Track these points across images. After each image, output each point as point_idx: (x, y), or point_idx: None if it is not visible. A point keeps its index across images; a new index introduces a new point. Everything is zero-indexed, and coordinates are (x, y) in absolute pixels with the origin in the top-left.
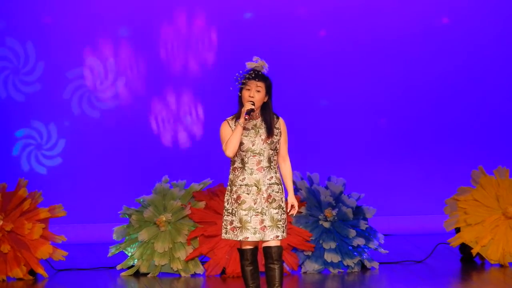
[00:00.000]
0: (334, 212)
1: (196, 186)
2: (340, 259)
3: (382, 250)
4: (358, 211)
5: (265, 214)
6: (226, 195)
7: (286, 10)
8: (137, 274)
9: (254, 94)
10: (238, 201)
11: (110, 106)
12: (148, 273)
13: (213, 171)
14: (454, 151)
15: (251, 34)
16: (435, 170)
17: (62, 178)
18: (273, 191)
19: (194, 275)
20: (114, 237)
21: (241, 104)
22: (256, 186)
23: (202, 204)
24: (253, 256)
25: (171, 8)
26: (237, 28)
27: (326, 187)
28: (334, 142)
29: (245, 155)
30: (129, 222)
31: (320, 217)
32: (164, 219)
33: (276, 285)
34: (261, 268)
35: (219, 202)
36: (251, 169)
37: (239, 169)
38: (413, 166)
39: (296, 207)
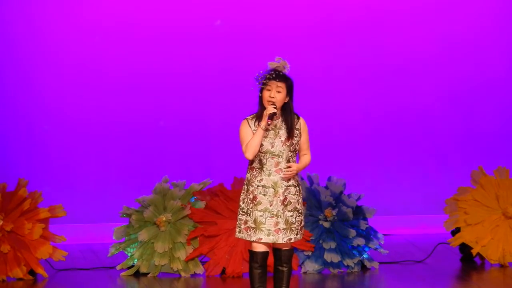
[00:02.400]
0: (334, 212)
1: (196, 186)
2: (340, 259)
3: (382, 250)
4: (358, 211)
5: (280, 217)
6: (242, 194)
7: (289, 11)
8: (137, 274)
9: (275, 94)
10: (254, 201)
11: (110, 105)
12: (148, 273)
13: (213, 171)
14: (454, 151)
15: (255, 34)
16: (435, 170)
17: (62, 178)
18: (289, 193)
19: (194, 275)
20: (114, 237)
21: (261, 104)
22: (273, 188)
23: (202, 204)
24: (263, 260)
25: (177, 6)
26: (243, 26)
27: (326, 187)
28: (334, 142)
29: (263, 156)
30: (129, 222)
31: (320, 217)
32: (164, 219)
33: (283, 287)
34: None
35: (219, 202)
36: (269, 170)
37: (257, 169)
38: (413, 166)
39: (292, 170)
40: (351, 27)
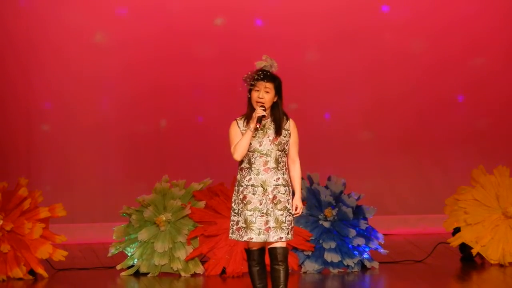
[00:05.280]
0: (334, 212)
1: (196, 186)
2: (340, 259)
3: (382, 250)
4: (358, 211)
5: (270, 215)
6: (233, 195)
7: (292, 11)
8: (137, 274)
9: (263, 95)
10: (244, 201)
11: (110, 105)
12: (148, 273)
13: (213, 171)
14: (454, 151)
15: (255, 34)
16: (435, 170)
17: (62, 178)
18: (279, 192)
19: (194, 275)
20: (114, 236)
21: (250, 105)
22: (262, 187)
23: (202, 204)
24: (260, 257)
25: (178, 8)
26: (244, 26)
27: (326, 187)
28: (334, 142)
29: (252, 156)
30: (129, 222)
31: (320, 216)
32: (164, 218)
33: (281, 286)
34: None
35: (219, 202)
36: (258, 169)
37: (246, 169)
38: (413, 166)
39: (300, 210)
40: (352, 27)
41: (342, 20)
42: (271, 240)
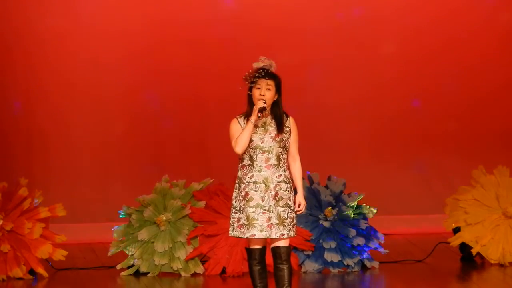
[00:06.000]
0: (334, 212)
1: (196, 186)
2: (340, 259)
3: (382, 250)
4: (358, 211)
5: (272, 212)
6: (234, 192)
7: (290, 10)
8: (137, 274)
9: (265, 92)
10: (246, 198)
11: (111, 105)
12: (148, 273)
13: (213, 171)
14: (454, 151)
15: (255, 34)
16: (435, 170)
17: (63, 178)
18: (280, 189)
19: (194, 274)
20: (114, 236)
21: (250, 103)
22: (264, 184)
23: (202, 204)
24: (261, 256)
25: (178, 8)
26: (243, 27)
27: (326, 187)
28: (334, 142)
29: (253, 152)
30: (129, 222)
31: (320, 216)
32: (164, 218)
33: (286, 285)
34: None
35: (219, 202)
36: (260, 166)
37: (247, 166)
38: (413, 166)
39: (303, 207)
40: (350, 26)
41: (341, 16)
42: (273, 236)
